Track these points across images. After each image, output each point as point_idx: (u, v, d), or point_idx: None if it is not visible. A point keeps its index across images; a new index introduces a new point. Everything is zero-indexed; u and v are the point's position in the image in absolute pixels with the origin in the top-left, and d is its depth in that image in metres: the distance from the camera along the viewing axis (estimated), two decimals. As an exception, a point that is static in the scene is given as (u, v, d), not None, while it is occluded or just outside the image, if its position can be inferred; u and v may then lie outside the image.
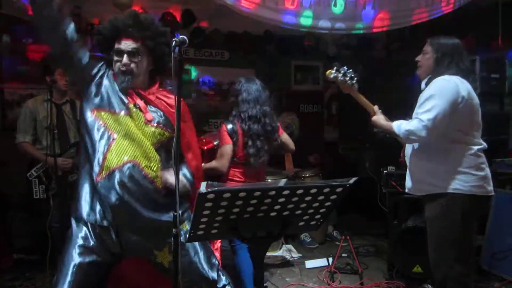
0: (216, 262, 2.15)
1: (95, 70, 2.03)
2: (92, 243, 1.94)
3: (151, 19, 2.05)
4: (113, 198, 1.88)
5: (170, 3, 4.64)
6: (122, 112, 1.97)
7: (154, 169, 1.96)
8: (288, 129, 4.67)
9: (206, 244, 2.13)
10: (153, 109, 2.05)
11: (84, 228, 1.96)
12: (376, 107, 2.58)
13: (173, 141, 1.96)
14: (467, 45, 4.69)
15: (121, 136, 1.93)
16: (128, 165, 1.90)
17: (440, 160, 2.31)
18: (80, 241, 1.94)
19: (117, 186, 1.88)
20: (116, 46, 1.99)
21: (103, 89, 2.00)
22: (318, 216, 1.63)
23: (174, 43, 1.62)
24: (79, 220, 1.98)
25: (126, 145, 1.93)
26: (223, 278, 2.13)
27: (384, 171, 3.69)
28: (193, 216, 1.44)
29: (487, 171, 2.34)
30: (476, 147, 2.30)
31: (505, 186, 3.68)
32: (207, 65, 5.62)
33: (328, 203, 1.57)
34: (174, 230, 1.66)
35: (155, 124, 2.01)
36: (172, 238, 1.66)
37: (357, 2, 3.76)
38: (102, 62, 2.07)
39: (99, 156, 1.91)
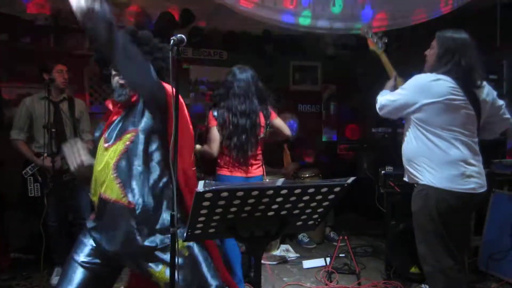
0: (215, 268, 2.05)
1: None
2: (96, 250, 1.94)
3: (149, 35, 2.06)
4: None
5: (169, 2, 4.63)
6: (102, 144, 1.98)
7: (114, 191, 1.87)
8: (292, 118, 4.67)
9: (206, 253, 2.01)
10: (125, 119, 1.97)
11: (89, 236, 1.98)
12: (395, 73, 2.79)
13: (136, 143, 1.89)
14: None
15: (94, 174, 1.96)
16: (97, 204, 1.93)
17: (421, 152, 2.39)
18: (87, 250, 1.94)
19: (104, 231, 1.92)
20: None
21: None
22: (316, 216, 1.63)
23: (172, 42, 1.62)
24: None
25: (94, 179, 1.94)
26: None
27: (382, 172, 3.70)
28: (190, 216, 1.44)
29: (470, 168, 2.34)
30: (457, 144, 2.33)
31: (503, 187, 3.68)
32: (206, 64, 5.63)
33: (326, 203, 1.57)
34: (171, 229, 1.67)
35: (112, 139, 1.92)
36: (169, 237, 1.66)
37: (355, 2, 3.76)
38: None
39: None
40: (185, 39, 1.64)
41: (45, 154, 3.34)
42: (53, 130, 3.32)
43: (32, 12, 4.20)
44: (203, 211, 1.42)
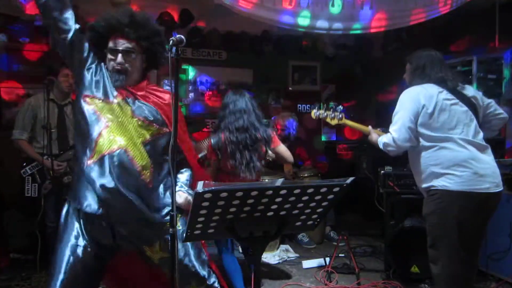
0: (206, 258, 2.14)
1: (85, 54, 2.02)
2: (84, 241, 1.94)
3: (146, 18, 2.03)
4: (103, 182, 1.86)
5: (168, 2, 4.63)
6: (115, 101, 1.97)
7: (143, 161, 1.95)
8: (284, 131, 4.69)
9: (195, 242, 2.11)
10: (141, 103, 2.03)
11: (76, 224, 1.96)
12: (369, 127, 2.83)
13: (159, 138, 2.01)
14: (464, 46, 4.73)
15: (113, 124, 1.93)
16: (118, 151, 1.90)
17: (428, 160, 2.40)
18: (72, 240, 1.94)
19: (107, 171, 1.87)
20: (111, 44, 1.98)
21: (98, 77, 2.00)
22: (315, 216, 1.63)
23: (171, 42, 1.62)
24: (73, 211, 1.98)
25: (117, 133, 1.93)
26: (213, 275, 2.14)
27: (381, 172, 3.69)
28: (189, 216, 1.44)
29: (482, 166, 2.31)
30: (463, 142, 2.34)
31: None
32: (205, 65, 5.63)
33: (325, 203, 1.57)
34: (171, 230, 1.67)
35: (141, 118, 1.99)
36: (169, 238, 1.67)
37: (354, 2, 3.76)
38: (92, 52, 2.05)
39: (90, 141, 1.91)
40: (184, 40, 1.65)
41: (45, 157, 3.32)
42: (52, 130, 3.32)
43: (31, 13, 4.19)
44: (203, 211, 1.42)
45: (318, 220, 1.66)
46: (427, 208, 2.43)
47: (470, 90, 2.53)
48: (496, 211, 2.43)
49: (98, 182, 1.87)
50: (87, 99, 1.96)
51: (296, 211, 1.56)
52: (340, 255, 3.86)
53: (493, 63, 4.24)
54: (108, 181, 1.86)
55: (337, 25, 3.94)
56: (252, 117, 2.97)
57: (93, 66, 2.02)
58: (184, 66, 5.47)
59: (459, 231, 2.29)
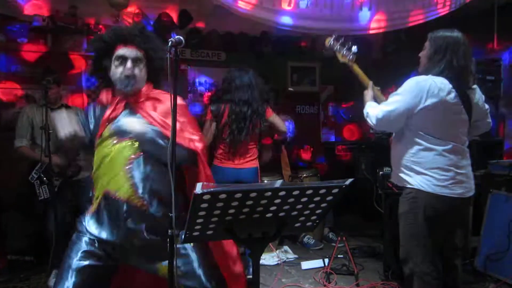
0: (213, 270, 2.10)
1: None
2: (94, 249, 1.95)
3: (154, 35, 2.11)
4: (101, 236, 1.94)
5: (167, 3, 4.62)
6: (99, 139, 1.99)
7: (125, 189, 1.91)
8: (287, 119, 4.70)
9: (202, 251, 2.07)
10: (138, 118, 2.02)
11: (88, 234, 1.97)
12: (370, 82, 2.65)
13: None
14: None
15: (97, 166, 1.97)
16: (103, 196, 1.94)
17: (412, 156, 2.33)
18: (83, 246, 1.94)
19: (105, 222, 1.93)
20: (119, 52, 1.98)
21: (94, 124, 2.06)
22: (314, 217, 1.63)
23: (170, 43, 1.62)
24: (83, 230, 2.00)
25: (100, 174, 1.95)
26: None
27: (380, 172, 3.69)
28: (188, 217, 1.44)
29: (460, 173, 2.30)
30: (449, 149, 2.28)
31: (500, 188, 3.69)
32: (204, 65, 5.62)
33: (324, 204, 1.57)
34: (169, 231, 1.66)
35: (126, 138, 1.96)
36: (167, 240, 1.66)
37: (353, 3, 3.77)
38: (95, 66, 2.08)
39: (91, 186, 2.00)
40: (183, 40, 1.65)
41: (42, 155, 3.36)
42: (50, 131, 3.34)
43: (29, 13, 4.18)
44: (201, 213, 1.42)
45: (317, 221, 1.66)
46: (402, 207, 2.42)
47: (477, 94, 2.40)
48: (495, 211, 2.42)
49: (98, 235, 1.94)
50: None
51: (295, 213, 1.55)
52: (339, 256, 3.85)
53: (492, 64, 4.24)
54: (106, 235, 1.93)
55: (336, 26, 3.95)
56: (255, 92, 3.31)
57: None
58: (183, 67, 5.46)
59: (430, 232, 2.30)
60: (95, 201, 1.96)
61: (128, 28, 2.03)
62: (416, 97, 2.23)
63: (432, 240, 2.32)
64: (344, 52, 2.79)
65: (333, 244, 4.14)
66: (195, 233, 1.52)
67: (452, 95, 2.24)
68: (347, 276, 3.64)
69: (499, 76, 4.29)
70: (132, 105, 2.03)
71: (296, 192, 1.45)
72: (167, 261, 1.83)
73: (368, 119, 2.44)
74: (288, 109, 6.04)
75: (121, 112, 2.01)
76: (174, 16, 4.72)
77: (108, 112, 2.01)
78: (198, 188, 1.32)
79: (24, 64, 4.51)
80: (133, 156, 1.93)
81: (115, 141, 1.95)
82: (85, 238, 1.95)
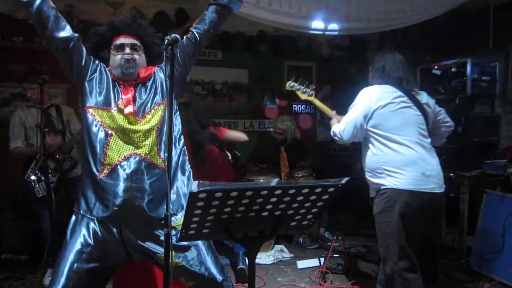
0: (222, 263, 2.15)
1: (83, 62, 2.02)
2: (90, 248, 1.93)
3: (144, 22, 2.15)
4: (119, 193, 1.89)
5: (163, 2, 4.61)
6: (114, 109, 1.98)
7: (153, 154, 1.98)
8: (282, 135, 4.70)
9: (212, 246, 2.12)
10: (144, 96, 2.05)
11: (84, 231, 1.95)
12: (334, 112, 2.93)
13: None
14: (458, 47, 4.75)
15: (116, 131, 1.95)
16: (130, 157, 1.93)
17: (381, 159, 2.49)
18: (78, 246, 1.93)
19: (121, 181, 1.90)
20: (116, 41, 2.03)
21: (98, 86, 2.00)
22: (310, 216, 1.63)
23: (166, 42, 1.62)
24: (82, 217, 1.97)
25: (123, 139, 1.95)
26: (230, 280, 2.15)
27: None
28: (184, 216, 1.44)
29: (429, 168, 2.43)
30: (413, 144, 2.43)
31: (495, 188, 3.71)
32: (200, 64, 5.60)
33: (320, 203, 1.57)
34: (165, 229, 1.66)
35: (148, 110, 2.02)
36: (159, 238, 1.66)
37: (349, 2, 3.77)
38: (92, 60, 2.06)
39: (99, 153, 1.92)
40: (180, 39, 1.65)
41: (38, 156, 3.36)
42: (46, 130, 3.34)
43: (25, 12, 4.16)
44: (197, 211, 1.41)
45: (313, 220, 1.66)
46: (377, 208, 2.51)
47: (424, 97, 2.63)
48: (490, 211, 2.44)
49: (113, 193, 1.90)
50: (90, 110, 1.97)
51: (291, 211, 1.56)
52: (334, 255, 3.86)
53: (487, 65, 4.26)
54: (121, 192, 1.89)
55: (333, 25, 3.95)
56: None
57: (96, 75, 2.03)
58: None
59: (405, 228, 2.39)
60: (109, 163, 1.93)
61: (122, 19, 2.06)
62: (367, 102, 2.51)
63: (408, 237, 2.39)
64: (304, 90, 3.15)
65: (329, 243, 4.15)
66: (191, 232, 1.52)
67: (398, 94, 2.51)
68: (343, 275, 3.65)
69: (494, 76, 4.31)
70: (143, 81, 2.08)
71: (292, 191, 1.46)
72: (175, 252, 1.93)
73: (335, 137, 2.68)
74: (284, 109, 6.05)
75: (133, 93, 2.04)
76: (171, 15, 4.71)
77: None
78: (194, 187, 1.31)
79: (19, 62, 4.49)
80: (160, 123, 2.02)
81: (137, 118, 2.00)
82: (80, 238, 1.94)
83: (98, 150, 1.92)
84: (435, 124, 2.68)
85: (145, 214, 1.94)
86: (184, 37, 2.17)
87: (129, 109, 1.96)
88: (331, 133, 2.72)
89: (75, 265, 1.90)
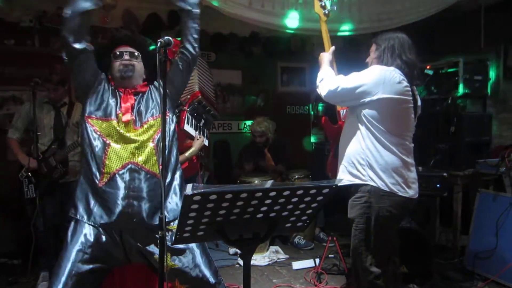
0: (216, 266, 2.19)
1: (90, 73, 2.07)
2: (90, 250, 1.96)
3: (144, 37, 2.28)
4: (118, 201, 1.94)
5: (156, 4, 4.60)
6: (114, 119, 2.02)
7: (152, 163, 2.02)
8: (262, 137, 4.66)
9: (206, 249, 2.17)
10: (143, 106, 2.10)
11: (85, 231, 1.98)
12: (333, 48, 2.63)
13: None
14: (450, 47, 4.78)
15: (115, 141, 2.00)
16: (128, 166, 1.97)
17: (369, 152, 2.28)
18: (78, 247, 1.95)
19: (120, 190, 1.95)
20: (116, 51, 2.10)
21: (99, 97, 2.06)
22: (305, 217, 1.63)
23: (159, 44, 1.63)
24: (81, 223, 1.99)
25: (122, 148, 1.99)
26: (223, 283, 2.20)
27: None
28: (179, 219, 1.43)
29: (411, 175, 2.33)
30: (403, 149, 2.30)
31: (488, 186, 3.74)
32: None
33: (314, 205, 1.57)
34: (160, 232, 1.66)
35: (146, 120, 2.07)
36: (158, 241, 1.66)
37: (342, 4, 3.78)
38: (103, 74, 2.13)
39: (98, 162, 1.97)
40: (173, 41, 1.65)
41: (30, 158, 3.36)
42: (39, 133, 3.37)
43: (16, 14, 4.13)
44: (192, 214, 1.41)
45: (308, 221, 1.66)
46: (353, 211, 2.38)
47: (418, 98, 2.46)
48: (483, 210, 2.44)
49: (112, 201, 1.94)
50: (89, 120, 2.02)
51: (285, 213, 1.55)
52: (329, 256, 3.87)
53: (479, 64, 4.30)
54: (120, 200, 1.94)
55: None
56: None
57: (100, 87, 2.08)
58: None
59: (381, 233, 2.32)
60: (107, 172, 1.97)
61: (122, 32, 2.20)
62: (376, 84, 2.21)
63: (382, 243, 2.34)
64: (323, 3, 2.71)
65: (324, 244, 4.15)
66: (186, 234, 1.52)
67: (406, 89, 2.26)
68: (338, 275, 3.65)
69: (486, 75, 4.34)
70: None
71: (286, 193, 1.46)
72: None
73: (320, 87, 2.38)
74: (278, 109, 6.05)
75: (133, 103, 2.09)
76: (164, 17, 4.70)
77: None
78: (189, 189, 1.31)
79: (11, 65, 4.45)
80: (154, 136, 2.07)
81: (135, 127, 2.05)
82: (81, 239, 1.96)
83: (97, 159, 1.97)
84: None
85: (144, 221, 1.98)
86: (178, 60, 2.23)
87: (127, 116, 2.01)
88: (318, 77, 2.43)
89: (76, 265, 1.92)
